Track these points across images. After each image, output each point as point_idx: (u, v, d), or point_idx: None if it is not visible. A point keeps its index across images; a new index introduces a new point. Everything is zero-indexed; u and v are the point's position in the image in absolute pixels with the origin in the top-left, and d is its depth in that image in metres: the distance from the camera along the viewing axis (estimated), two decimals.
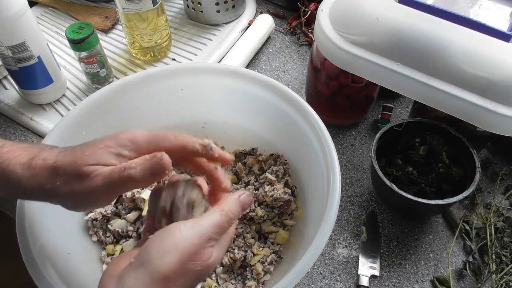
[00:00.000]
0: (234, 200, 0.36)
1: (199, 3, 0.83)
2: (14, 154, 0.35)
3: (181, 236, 0.32)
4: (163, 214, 0.36)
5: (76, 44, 0.67)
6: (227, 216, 0.34)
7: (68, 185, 0.34)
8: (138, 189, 0.55)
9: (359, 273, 0.55)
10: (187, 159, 0.38)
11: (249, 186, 0.57)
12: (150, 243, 0.32)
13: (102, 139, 0.35)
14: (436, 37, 0.50)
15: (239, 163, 0.60)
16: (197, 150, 0.36)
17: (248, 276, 0.51)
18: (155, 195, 0.37)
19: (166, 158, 0.33)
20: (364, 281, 0.54)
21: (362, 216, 0.61)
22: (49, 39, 0.85)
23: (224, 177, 0.39)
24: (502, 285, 0.52)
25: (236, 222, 0.38)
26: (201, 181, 0.38)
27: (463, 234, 0.58)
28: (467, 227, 0.58)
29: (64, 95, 0.75)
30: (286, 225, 0.55)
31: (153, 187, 0.42)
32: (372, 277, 0.55)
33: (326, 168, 0.47)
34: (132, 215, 0.55)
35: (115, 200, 0.57)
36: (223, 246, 0.35)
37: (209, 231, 0.33)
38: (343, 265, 0.56)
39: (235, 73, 0.57)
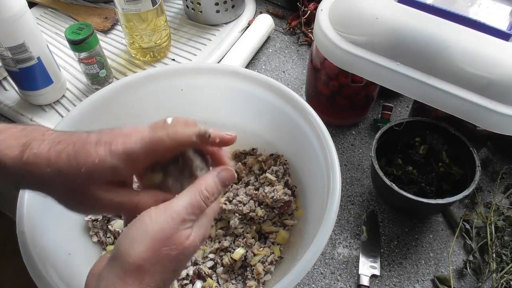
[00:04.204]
0: (210, 177, 0.35)
1: (199, 3, 0.83)
2: (4, 144, 0.33)
3: (151, 221, 0.31)
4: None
5: (76, 44, 0.67)
6: (202, 194, 0.33)
7: (68, 194, 0.34)
8: None
9: (359, 273, 0.55)
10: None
11: (249, 186, 0.57)
12: (122, 234, 0.31)
13: (95, 142, 0.33)
14: (436, 36, 0.50)
15: (239, 163, 0.60)
16: (195, 142, 0.35)
17: (248, 276, 0.51)
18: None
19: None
20: (365, 280, 0.54)
21: (363, 215, 0.61)
22: (49, 40, 0.85)
23: (227, 157, 0.38)
24: (502, 284, 0.52)
25: (219, 199, 0.36)
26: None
27: (464, 233, 0.58)
28: (468, 226, 0.58)
29: (64, 96, 0.75)
30: (287, 225, 0.55)
31: None
32: (373, 276, 0.55)
33: (326, 168, 0.47)
34: None
35: None
36: (202, 225, 0.33)
37: (182, 212, 0.31)
38: (344, 265, 0.56)
39: (235, 73, 0.57)
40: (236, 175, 0.38)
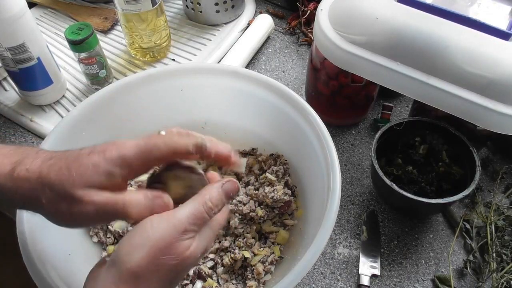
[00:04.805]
0: (215, 188, 0.35)
1: (198, 3, 0.83)
2: None
3: (152, 229, 0.30)
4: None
5: (76, 45, 0.67)
6: (206, 205, 0.33)
7: (55, 205, 0.31)
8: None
9: (359, 273, 0.55)
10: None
11: (249, 186, 0.57)
12: (123, 239, 0.31)
13: (88, 153, 0.32)
14: (436, 36, 0.50)
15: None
16: (190, 152, 0.34)
17: (248, 276, 0.51)
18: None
19: (167, 199, 0.33)
20: (365, 280, 0.54)
21: (363, 215, 0.61)
22: (49, 40, 0.85)
23: (234, 155, 0.37)
24: (502, 283, 0.52)
25: (225, 211, 0.36)
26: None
27: (464, 233, 0.58)
28: (468, 226, 0.58)
29: (63, 96, 0.75)
30: (287, 225, 0.55)
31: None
32: (373, 276, 0.55)
33: (326, 168, 0.47)
34: None
35: None
36: (205, 238, 0.33)
37: (184, 221, 0.31)
38: (344, 265, 0.56)
39: (234, 73, 0.57)
40: (240, 187, 0.38)
